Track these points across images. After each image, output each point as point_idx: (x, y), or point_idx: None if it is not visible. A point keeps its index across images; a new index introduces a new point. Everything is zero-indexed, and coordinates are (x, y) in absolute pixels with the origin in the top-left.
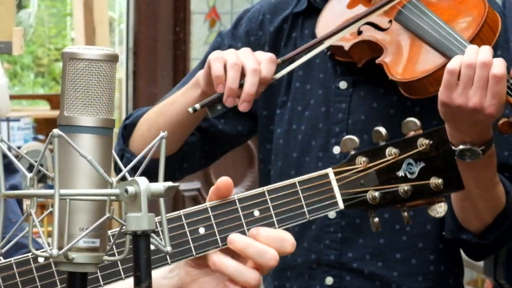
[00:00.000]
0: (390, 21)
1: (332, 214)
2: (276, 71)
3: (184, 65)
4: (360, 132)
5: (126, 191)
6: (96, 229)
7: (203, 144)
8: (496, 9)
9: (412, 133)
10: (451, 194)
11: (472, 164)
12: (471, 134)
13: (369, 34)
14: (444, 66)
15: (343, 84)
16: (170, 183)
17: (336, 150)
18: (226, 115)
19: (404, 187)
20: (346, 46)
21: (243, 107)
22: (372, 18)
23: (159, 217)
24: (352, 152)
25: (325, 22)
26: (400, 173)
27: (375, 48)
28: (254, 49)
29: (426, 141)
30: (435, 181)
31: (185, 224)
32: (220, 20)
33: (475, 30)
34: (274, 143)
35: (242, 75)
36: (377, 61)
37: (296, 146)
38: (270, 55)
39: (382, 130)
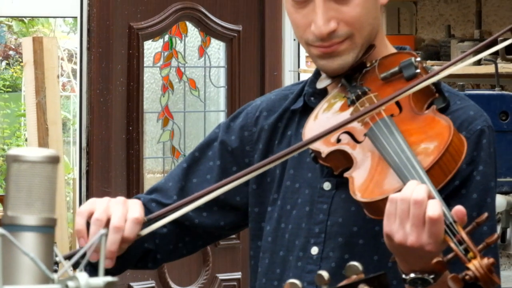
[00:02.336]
0: (365, 135)
1: None
2: (146, 225)
3: (138, 164)
4: (336, 234)
5: (67, 286)
6: None
7: (184, 235)
8: (480, 123)
9: (354, 277)
10: None
11: None
12: (418, 264)
13: (346, 143)
14: (398, 191)
15: (327, 185)
16: (109, 278)
17: (314, 250)
18: (211, 209)
19: None
20: (324, 153)
21: (106, 263)
22: (351, 128)
23: None
24: None
25: (311, 126)
26: None
27: (349, 159)
28: (247, 144)
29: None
30: None
31: None
32: (173, 119)
33: (435, 159)
34: (263, 241)
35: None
36: (345, 174)
37: (283, 245)
38: (137, 216)
39: (325, 274)
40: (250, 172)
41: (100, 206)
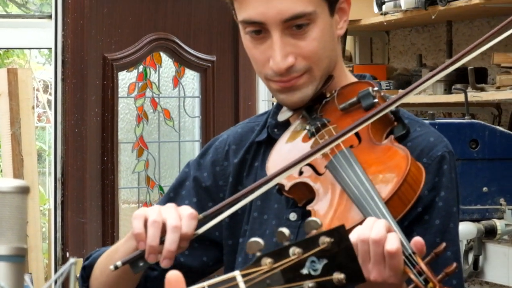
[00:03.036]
0: (326, 167)
1: None
2: (201, 225)
3: (113, 194)
4: None
5: None
6: None
7: None
8: (441, 149)
9: (314, 232)
10: None
11: None
12: None
13: (307, 176)
14: (361, 223)
15: (293, 216)
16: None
17: None
18: (191, 245)
19: (308, 284)
20: (287, 186)
21: (164, 263)
22: (312, 161)
23: None
24: (258, 254)
25: (274, 159)
26: (304, 271)
27: (312, 191)
28: (220, 179)
29: (327, 239)
30: (338, 276)
31: None
32: (147, 149)
33: (393, 189)
34: None
35: (164, 231)
36: (308, 207)
37: None
38: (191, 211)
39: (286, 231)
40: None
41: (153, 211)
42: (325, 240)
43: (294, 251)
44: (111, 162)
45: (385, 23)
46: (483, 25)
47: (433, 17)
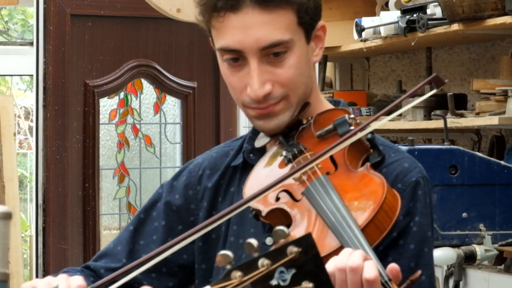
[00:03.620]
0: (303, 193)
1: None
2: None
3: (94, 220)
4: None
5: None
6: None
7: None
8: (415, 175)
9: (282, 241)
10: None
11: None
12: None
13: (284, 202)
14: (337, 250)
15: (269, 240)
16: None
17: None
18: (159, 270)
19: None
20: (263, 212)
21: None
22: (289, 187)
23: None
24: (228, 267)
25: (251, 185)
26: (274, 282)
27: (289, 217)
28: (192, 203)
29: (295, 249)
30: (307, 285)
31: None
32: (129, 175)
33: (369, 217)
34: None
35: None
36: None
37: None
38: (79, 284)
39: (254, 242)
40: (196, 231)
41: (42, 283)
42: (293, 250)
43: (263, 263)
44: (92, 189)
45: (365, 50)
46: (462, 51)
47: (412, 43)
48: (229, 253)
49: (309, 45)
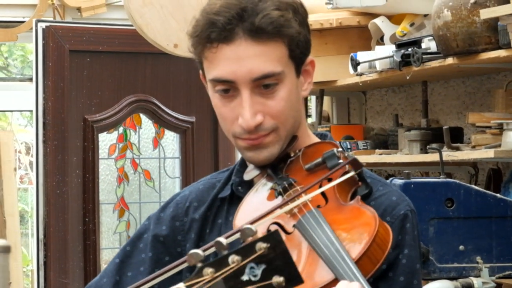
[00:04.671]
0: (294, 226)
1: None
2: None
3: (95, 255)
4: None
5: None
6: None
7: None
8: (403, 208)
9: (250, 239)
10: None
11: None
12: None
13: None
14: (331, 283)
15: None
16: None
17: None
18: None
19: None
20: None
21: None
22: (281, 219)
23: None
24: (199, 265)
25: (242, 217)
26: (245, 277)
27: None
28: (179, 234)
29: (264, 245)
30: (277, 279)
31: None
32: (128, 209)
33: (363, 250)
34: None
35: None
36: None
37: None
38: None
39: (223, 240)
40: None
41: None
42: (261, 246)
43: (233, 259)
44: (93, 223)
45: (360, 84)
46: (458, 85)
47: (407, 77)
48: (198, 251)
49: (298, 79)
